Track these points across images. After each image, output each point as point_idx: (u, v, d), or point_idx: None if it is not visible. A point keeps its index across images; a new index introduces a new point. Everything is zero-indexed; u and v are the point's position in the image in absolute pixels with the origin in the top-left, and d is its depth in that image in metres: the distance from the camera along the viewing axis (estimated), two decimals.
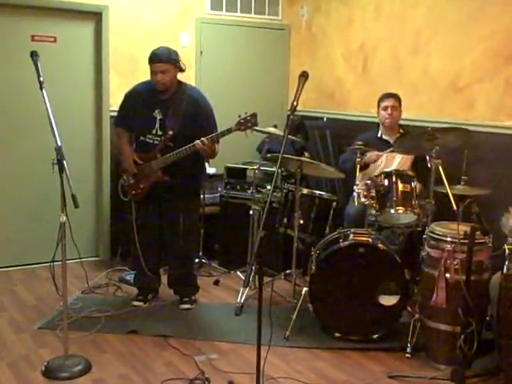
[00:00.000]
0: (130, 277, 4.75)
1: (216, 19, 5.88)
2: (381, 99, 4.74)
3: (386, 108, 4.69)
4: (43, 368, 3.41)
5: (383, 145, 4.70)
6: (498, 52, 4.44)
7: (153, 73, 4.02)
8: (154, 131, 4.13)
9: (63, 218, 3.27)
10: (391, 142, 4.69)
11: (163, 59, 4.01)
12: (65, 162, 3.21)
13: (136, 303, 4.39)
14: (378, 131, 4.81)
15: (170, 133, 4.08)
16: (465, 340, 3.29)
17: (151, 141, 4.14)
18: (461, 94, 4.74)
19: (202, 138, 3.91)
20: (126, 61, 5.42)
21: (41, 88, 3.33)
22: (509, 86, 4.39)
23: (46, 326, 4.01)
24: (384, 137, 4.77)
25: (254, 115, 3.91)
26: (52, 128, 3.27)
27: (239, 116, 3.93)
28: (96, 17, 5.31)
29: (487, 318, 3.61)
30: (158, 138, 4.12)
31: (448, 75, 4.83)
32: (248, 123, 3.91)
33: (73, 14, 5.23)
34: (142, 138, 4.18)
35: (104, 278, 4.92)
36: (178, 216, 4.25)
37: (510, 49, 4.35)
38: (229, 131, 3.94)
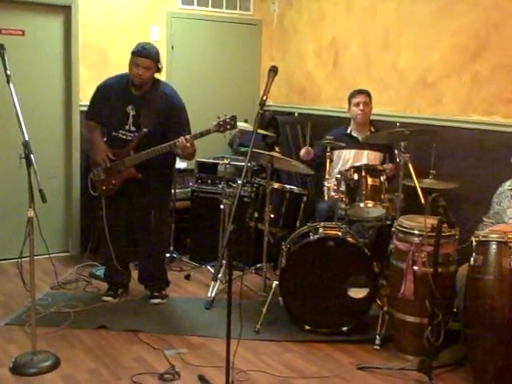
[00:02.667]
0: (100, 272, 4.73)
1: (187, 14, 5.85)
2: (352, 95, 4.76)
3: (357, 104, 4.70)
4: (11, 364, 3.37)
5: (351, 141, 4.73)
6: (466, 48, 4.50)
7: (135, 65, 3.98)
8: (127, 127, 4.10)
9: (31, 213, 3.25)
10: (360, 139, 4.73)
11: (151, 56, 4.00)
12: (32, 156, 3.19)
13: (106, 298, 4.36)
14: (347, 128, 4.84)
15: (145, 130, 4.05)
16: (432, 331, 3.35)
17: (124, 136, 4.11)
18: (429, 90, 4.80)
19: (182, 137, 3.90)
20: (96, 55, 5.37)
21: (8, 82, 3.30)
22: (476, 81, 4.45)
23: (14, 321, 3.96)
24: (353, 133, 4.80)
25: (233, 118, 3.92)
26: (19, 122, 3.24)
27: (218, 117, 3.93)
28: (65, 10, 5.25)
29: (454, 310, 3.67)
30: (131, 134, 4.10)
31: (417, 71, 4.89)
32: (227, 125, 3.92)
33: (41, 7, 5.16)
34: (114, 134, 4.15)
35: (74, 273, 4.87)
36: (150, 211, 4.23)
37: (477, 45, 4.42)
38: (207, 132, 3.94)
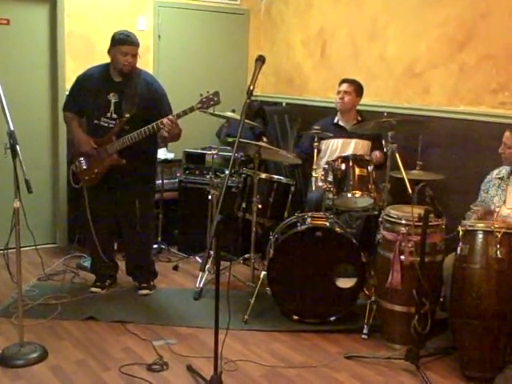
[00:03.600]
0: (87, 263, 4.70)
1: (174, 3, 5.81)
2: (338, 84, 4.79)
3: (338, 93, 4.74)
4: None
5: (339, 131, 4.74)
6: (453, 38, 4.51)
7: (123, 54, 3.97)
8: (109, 114, 4.08)
9: (17, 204, 3.22)
10: (347, 128, 4.74)
11: (137, 42, 4.03)
12: (18, 146, 3.16)
13: (94, 289, 4.35)
14: (334, 117, 4.85)
15: (127, 115, 4.04)
16: (419, 320, 3.37)
17: (106, 124, 4.09)
18: (417, 80, 4.81)
19: (169, 116, 3.91)
20: (82, 44, 5.32)
21: None
22: (462, 71, 4.47)
23: (1, 313, 3.93)
24: (340, 123, 4.81)
25: (216, 93, 3.92)
26: (4, 112, 3.21)
27: (201, 95, 3.92)
28: None
29: (441, 299, 3.69)
30: (113, 122, 4.07)
31: (404, 61, 4.90)
32: (211, 101, 3.92)
33: None
34: (96, 122, 4.12)
35: (61, 264, 4.85)
36: (134, 202, 4.21)
37: (464, 35, 4.43)
38: (191, 110, 3.93)
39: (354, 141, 4.71)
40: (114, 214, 4.32)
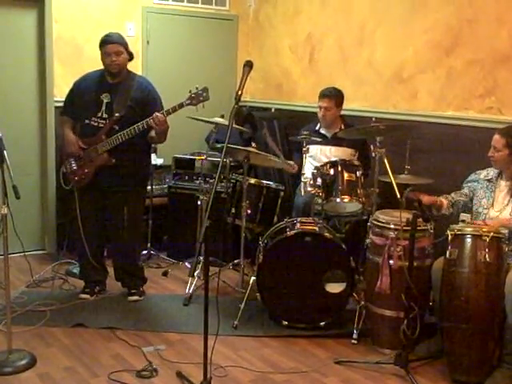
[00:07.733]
0: (76, 270, 4.67)
1: (163, 9, 5.82)
2: (319, 96, 4.71)
3: (320, 108, 4.70)
4: None
5: (320, 138, 4.70)
6: (439, 44, 4.54)
7: (106, 54, 4.01)
8: (100, 114, 4.08)
9: (4, 210, 3.21)
10: (328, 136, 4.73)
11: (117, 41, 4.05)
12: (5, 152, 3.16)
13: (83, 296, 4.33)
14: (317, 124, 4.84)
15: (117, 115, 4.04)
16: (408, 325, 3.38)
17: (96, 123, 4.09)
18: (404, 85, 4.84)
19: (156, 113, 3.90)
20: (70, 50, 5.31)
21: None
22: (450, 76, 4.50)
23: None
24: (322, 131, 4.78)
25: (205, 89, 3.92)
26: None
27: (190, 91, 3.93)
28: (38, 4, 5.18)
29: (430, 303, 3.71)
30: (103, 122, 4.08)
31: (392, 66, 4.92)
32: (200, 97, 3.92)
33: (14, 0, 5.08)
34: (86, 122, 4.12)
35: (50, 271, 4.82)
36: (123, 207, 4.20)
37: (450, 41, 4.46)
38: (180, 106, 3.94)
39: (329, 148, 4.66)
40: (103, 219, 4.30)
